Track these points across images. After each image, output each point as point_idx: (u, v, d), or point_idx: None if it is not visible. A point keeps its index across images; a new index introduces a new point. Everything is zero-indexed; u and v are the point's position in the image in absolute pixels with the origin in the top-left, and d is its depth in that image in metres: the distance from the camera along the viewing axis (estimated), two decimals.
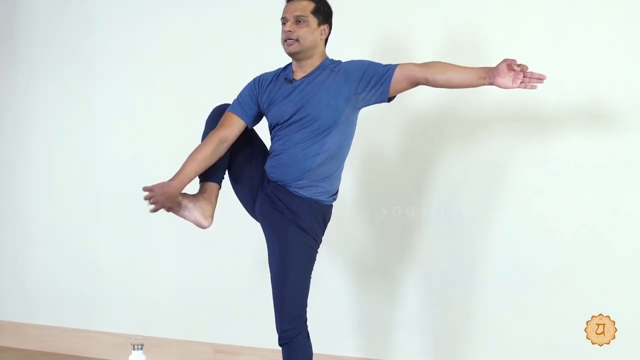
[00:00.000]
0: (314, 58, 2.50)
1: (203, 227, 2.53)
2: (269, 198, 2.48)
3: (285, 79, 2.53)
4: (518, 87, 2.26)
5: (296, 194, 2.45)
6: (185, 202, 2.48)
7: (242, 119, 2.52)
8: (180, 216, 2.51)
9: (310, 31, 2.45)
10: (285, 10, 2.49)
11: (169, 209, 2.47)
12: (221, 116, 2.57)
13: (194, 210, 2.48)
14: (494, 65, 2.29)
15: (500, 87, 2.27)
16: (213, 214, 2.53)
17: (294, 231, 2.43)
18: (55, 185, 4.09)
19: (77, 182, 4.02)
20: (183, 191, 2.48)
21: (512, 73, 2.24)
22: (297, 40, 2.45)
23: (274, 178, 2.49)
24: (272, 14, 2.65)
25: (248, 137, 2.59)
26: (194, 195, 2.52)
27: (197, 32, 3.73)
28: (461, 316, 3.09)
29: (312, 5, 2.47)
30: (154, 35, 3.84)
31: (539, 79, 2.25)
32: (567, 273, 2.89)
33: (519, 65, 2.23)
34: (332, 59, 2.54)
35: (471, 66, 2.37)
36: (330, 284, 3.32)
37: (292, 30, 2.45)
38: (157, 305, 3.81)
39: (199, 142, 2.61)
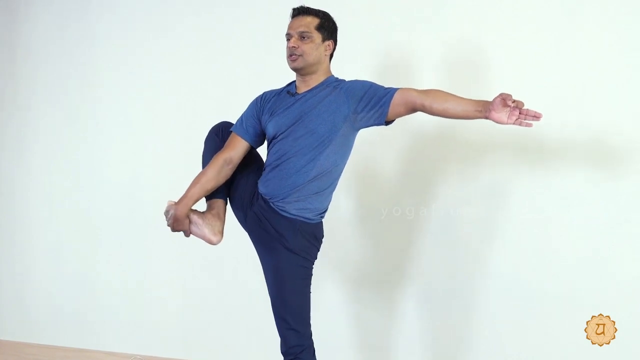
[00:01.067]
0: (318, 74, 2.50)
1: (212, 244, 2.52)
2: (257, 217, 2.48)
3: (288, 92, 2.54)
4: (513, 124, 2.23)
5: (282, 212, 2.44)
6: (194, 218, 2.48)
7: (245, 139, 2.53)
8: (192, 233, 2.51)
9: (314, 47, 2.46)
10: (289, 26, 2.49)
11: (180, 231, 2.49)
12: (218, 135, 2.58)
13: (202, 227, 2.48)
14: (490, 99, 2.28)
15: (495, 121, 2.24)
16: (223, 230, 2.53)
17: (283, 253, 2.43)
18: (55, 204, 4.06)
19: (78, 201, 4.00)
20: (193, 207, 2.49)
21: (507, 109, 2.22)
22: (301, 55, 2.44)
23: (263, 191, 2.48)
24: (278, 27, 2.62)
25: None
26: (203, 212, 2.51)
27: (201, 47, 3.70)
28: (461, 331, 3.10)
29: (316, 21, 2.47)
30: (157, 49, 3.82)
31: (535, 116, 2.22)
32: (568, 275, 2.92)
33: (514, 101, 2.21)
34: (337, 77, 2.54)
35: (469, 98, 2.36)
36: (328, 299, 3.33)
37: (296, 45, 2.44)
38: (157, 324, 3.79)
39: (200, 160, 2.62)
